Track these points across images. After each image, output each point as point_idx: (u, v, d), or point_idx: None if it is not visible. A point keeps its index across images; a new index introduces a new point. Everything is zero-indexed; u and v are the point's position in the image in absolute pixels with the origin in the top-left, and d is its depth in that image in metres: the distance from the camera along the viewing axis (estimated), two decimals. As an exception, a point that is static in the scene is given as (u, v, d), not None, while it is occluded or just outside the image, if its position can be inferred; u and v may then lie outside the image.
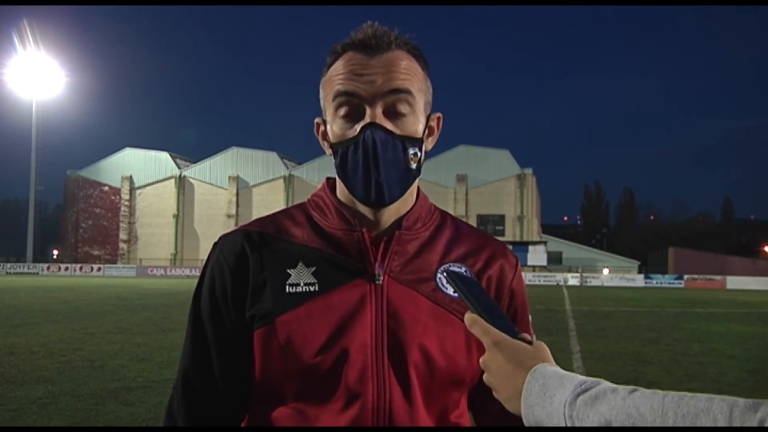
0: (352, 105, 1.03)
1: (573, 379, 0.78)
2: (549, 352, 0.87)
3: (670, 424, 0.67)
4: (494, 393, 0.86)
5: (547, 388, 0.79)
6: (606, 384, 0.76)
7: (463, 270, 1.10)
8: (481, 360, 0.88)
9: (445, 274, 0.93)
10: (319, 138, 1.12)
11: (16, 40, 63.65)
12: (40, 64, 64.45)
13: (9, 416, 5.44)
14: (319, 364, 1.00)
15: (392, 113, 1.03)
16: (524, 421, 0.81)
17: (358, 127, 1.02)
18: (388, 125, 1.02)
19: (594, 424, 0.72)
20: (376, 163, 1.01)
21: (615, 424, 0.71)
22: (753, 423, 0.62)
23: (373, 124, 1.01)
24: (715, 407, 0.65)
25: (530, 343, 0.86)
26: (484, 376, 0.88)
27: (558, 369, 0.82)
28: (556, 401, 0.77)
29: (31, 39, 63.58)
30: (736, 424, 0.63)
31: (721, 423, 0.64)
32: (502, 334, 0.86)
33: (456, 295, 1.07)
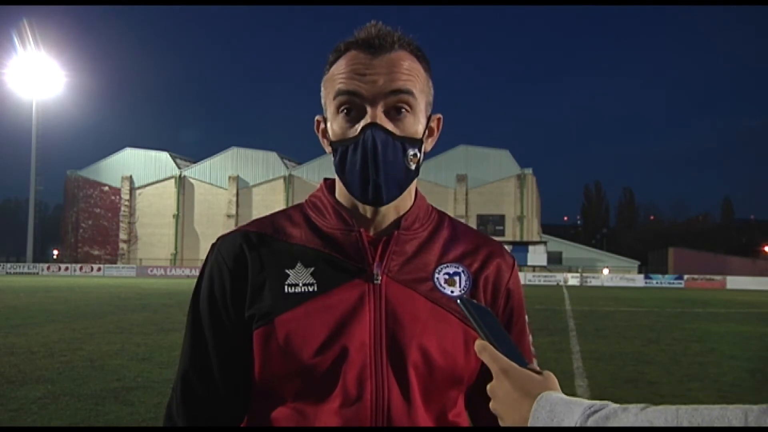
0: (354, 104, 1.03)
1: (581, 403, 0.77)
2: (556, 382, 0.86)
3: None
4: (500, 421, 0.85)
5: (554, 414, 0.78)
6: (615, 405, 0.75)
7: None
8: (488, 387, 0.87)
9: (459, 301, 0.93)
10: (319, 135, 1.12)
11: (16, 40, 63.78)
12: (40, 64, 64.45)
13: (9, 416, 5.44)
14: (318, 364, 1.00)
15: (393, 114, 1.03)
16: None
17: (358, 127, 1.02)
18: (389, 126, 1.02)
19: None
20: (375, 164, 1.01)
21: None
22: None
23: (374, 125, 1.01)
24: (730, 414, 0.65)
25: (539, 373, 0.86)
26: (491, 404, 0.87)
27: (565, 396, 0.81)
28: (564, 425, 0.75)
29: (31, 39, 63.63)
30: (752, 425, 0.63)
31: (737, 426, 0.64)
32: (511, 362, 0.86)
33: (455, 296, 1.07)
